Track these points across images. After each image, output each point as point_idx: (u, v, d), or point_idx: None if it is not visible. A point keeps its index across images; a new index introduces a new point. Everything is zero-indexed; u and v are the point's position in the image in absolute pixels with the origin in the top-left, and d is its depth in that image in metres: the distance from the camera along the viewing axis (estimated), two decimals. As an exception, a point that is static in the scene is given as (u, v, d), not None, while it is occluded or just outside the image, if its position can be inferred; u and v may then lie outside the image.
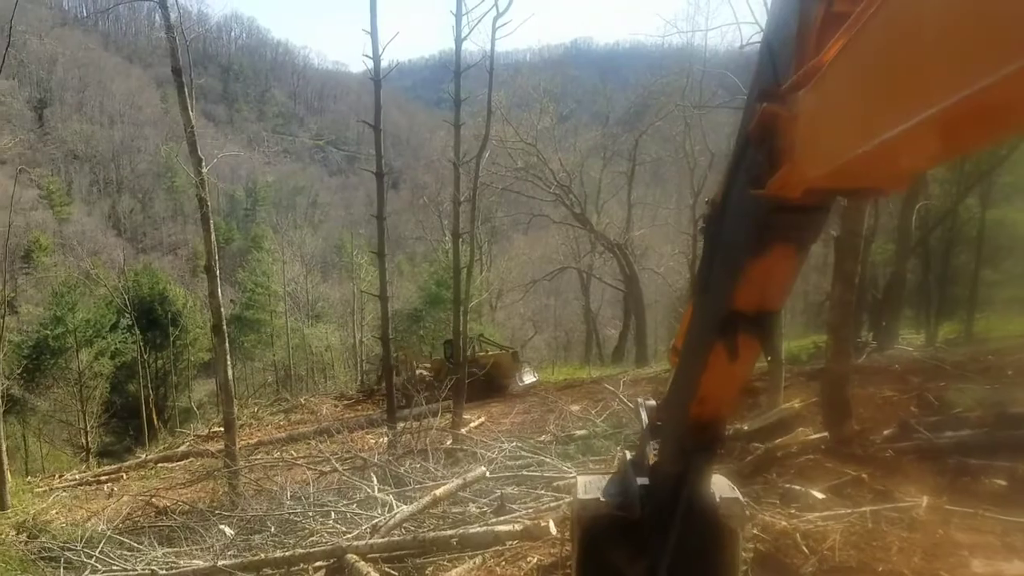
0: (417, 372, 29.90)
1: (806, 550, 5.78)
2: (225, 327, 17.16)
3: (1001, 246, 31.83)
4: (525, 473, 11.77)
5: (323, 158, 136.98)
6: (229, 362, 17.02)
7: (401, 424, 17.58)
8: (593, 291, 48.42)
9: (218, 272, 16.61)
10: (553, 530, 7.64)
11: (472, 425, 21.18)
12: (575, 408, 20.03)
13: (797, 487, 7.80)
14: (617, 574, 3.71)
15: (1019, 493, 7.51)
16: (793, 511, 7.27)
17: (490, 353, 30.95)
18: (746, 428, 10.90)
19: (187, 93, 16.26)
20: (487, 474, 11.29)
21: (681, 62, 37.74)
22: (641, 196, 46.51)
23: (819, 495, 7.49)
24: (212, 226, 16.60)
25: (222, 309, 17.08)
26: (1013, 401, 12.17)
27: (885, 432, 11.58)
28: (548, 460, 12.29)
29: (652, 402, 3.90)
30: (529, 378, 29.67)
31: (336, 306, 59.38)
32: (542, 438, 15.87)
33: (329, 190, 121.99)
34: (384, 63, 18.39)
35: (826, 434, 9.13)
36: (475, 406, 25.71)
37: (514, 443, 14.21)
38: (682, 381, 3.15)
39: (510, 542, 7.75)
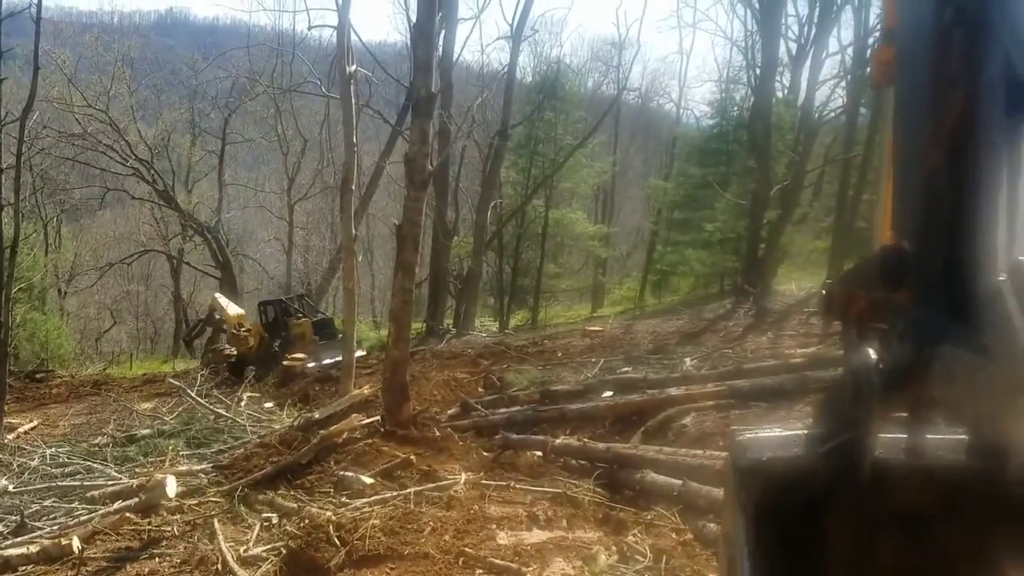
0: (220, 348, 24.10)
1: (338, 542, 5.63)
2: None
3: (560, 243, 36.78)
4: (66, 484, 10.22)
5: None
6: None
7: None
8: (186, 277, 44.86)
9: None
10: (77, 547, 6.67)
11: (21, 430, 18.04)
12: (147, 406, 18.11)
13: (350, 474, 7.71)
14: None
15: (549, 464, 8.28)
16: (344, 499, 7.17)
17: (300, 320, 23.89)
18: (316, 416, 10.75)
19: None
20: (11, 488, 9.59)
21: (272, 44, 36.76)
22: (241, 178, 44.27)
23: (368, 480, 7.46)
24: None
25: None
26: (557, 379, 13.83)
27: (449, 412, 12.35)
28: (95, 465, 10.85)
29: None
30: (332, 357, 21.09)
31: None
32: (97, 440, 14.01)
33: None
34: None
35: (378, 417, 9.29)
36: (30, 407, 22.04)
37: (54, 448, 12.34)
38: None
39: (23, 567, 6.60)
